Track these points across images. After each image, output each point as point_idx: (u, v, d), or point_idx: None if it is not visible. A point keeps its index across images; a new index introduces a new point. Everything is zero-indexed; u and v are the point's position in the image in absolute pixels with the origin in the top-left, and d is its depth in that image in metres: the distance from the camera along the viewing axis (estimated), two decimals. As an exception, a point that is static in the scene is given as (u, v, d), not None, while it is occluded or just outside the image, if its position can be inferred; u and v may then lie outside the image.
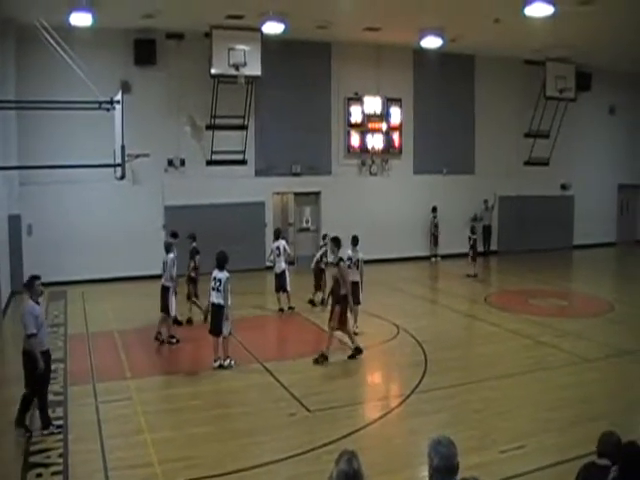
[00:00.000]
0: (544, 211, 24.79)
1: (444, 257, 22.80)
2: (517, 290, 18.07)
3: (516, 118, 24.19)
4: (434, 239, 23.05)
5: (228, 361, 10.78)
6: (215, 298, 10.72)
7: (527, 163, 24.76)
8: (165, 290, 12.26)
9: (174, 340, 12.24)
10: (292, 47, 19.96)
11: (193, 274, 13.66)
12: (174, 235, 13.88)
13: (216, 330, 10.75)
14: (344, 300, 11.23)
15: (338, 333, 11.38)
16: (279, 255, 14.98)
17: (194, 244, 13.90)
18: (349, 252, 13.04)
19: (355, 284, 12.84)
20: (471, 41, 20.65)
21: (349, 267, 12.94)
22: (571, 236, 26.07)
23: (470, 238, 19.81)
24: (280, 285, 14.88)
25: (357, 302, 12.92)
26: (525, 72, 23.81)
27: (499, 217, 24.40)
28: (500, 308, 15.39)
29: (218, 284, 10.64)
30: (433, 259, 23.06)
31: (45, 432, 7.93)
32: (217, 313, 10.74)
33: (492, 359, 11.42)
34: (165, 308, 12.25)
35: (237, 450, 7.67)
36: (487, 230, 23.67)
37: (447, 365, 10.90)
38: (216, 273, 10.75)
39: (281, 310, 14.82)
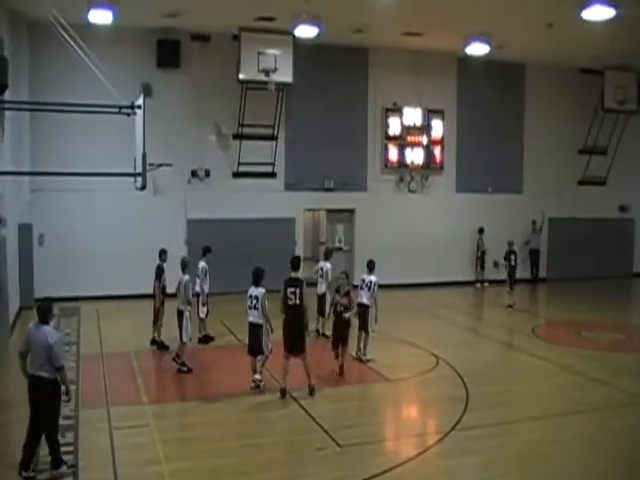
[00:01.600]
0: (600, 235, 24.57)
1: (491, 282, 22.65)
2: (568, 321, 17.86)
3: (570, 132, 24.09)
4: (480, 263, 22.95)
5: (255, 383, 10.87)
6: (252, 317, 10.86)
7: (581, 182, 24.61)
8: (180, 314, 12.22)
9: (185, 369, 12.09)
10: (326, 52, 20.20)
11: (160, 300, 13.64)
12: (207, 250, 14.35)
13: (254, 349, 10.90)
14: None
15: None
16: (322, 276, 15.05)
17: (160, 262, 14.11)
18: (364, 275, 13.20)
19: (365, 307, 12.91)
20: (521, 48, 20.68)
21: (360, 288, 13.06)
22: (630, 263, 25.80)
23: (505, 265, 19.42)
24: (319, 308, 14.78)
25: (365, 329, 12.98)
26: (581, 82, 23.71)
27: (549, 241, 24.23)
28: (549, 341, 15.23)
29: (255, 302, 10.79)
30: (478, 285, 22.96)
31: (55, 472, 7.72)
32: (255, 333, 10.89)
33: (539, 396, 11.33)
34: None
35: (260, 485, 7.72)
36: (535, 254, 23.51)
37: (490, 401, 10.82)
38: (252, 290, 10.88)
39: (324, 335, 14.54)
